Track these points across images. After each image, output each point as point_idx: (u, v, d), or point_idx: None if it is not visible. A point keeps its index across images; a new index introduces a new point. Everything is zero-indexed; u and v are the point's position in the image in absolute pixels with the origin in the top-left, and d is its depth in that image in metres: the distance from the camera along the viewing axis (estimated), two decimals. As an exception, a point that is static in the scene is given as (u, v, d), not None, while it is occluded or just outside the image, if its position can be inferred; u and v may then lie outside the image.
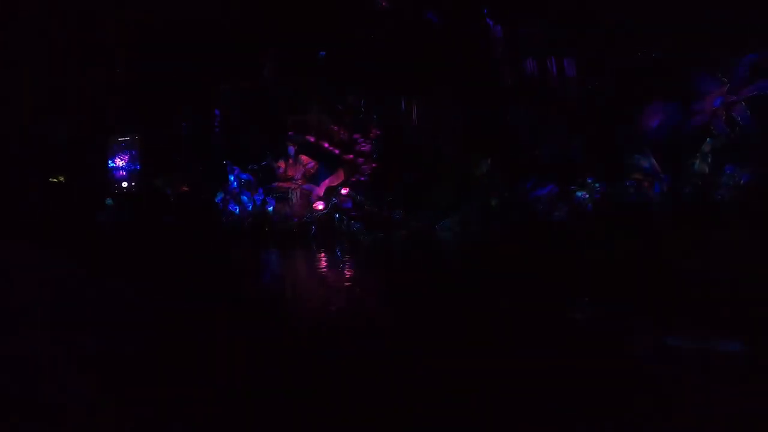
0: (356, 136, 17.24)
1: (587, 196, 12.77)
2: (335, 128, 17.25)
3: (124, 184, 18.38)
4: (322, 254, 12.72)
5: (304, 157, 17.08)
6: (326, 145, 17.20)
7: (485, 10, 14.93)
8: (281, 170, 17.25)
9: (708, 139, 12.07)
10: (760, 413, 3.46)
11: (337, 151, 17.25)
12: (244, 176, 17.90)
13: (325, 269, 10.80)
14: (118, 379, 4.28)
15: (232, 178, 17.93)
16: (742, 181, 11.35)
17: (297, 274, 10.13)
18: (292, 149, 17.18)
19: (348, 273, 10.37)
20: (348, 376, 4.23)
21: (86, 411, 3.64)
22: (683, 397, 3.80)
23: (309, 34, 15.98)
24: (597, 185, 12.62)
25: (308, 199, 16.84)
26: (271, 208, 16.86)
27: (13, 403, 3.73)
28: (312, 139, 17.21)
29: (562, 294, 6.98)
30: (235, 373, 4.40)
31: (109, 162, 18.62)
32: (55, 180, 18.15)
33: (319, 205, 16.41)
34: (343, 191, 16.47)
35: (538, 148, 14.26)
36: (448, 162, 15.26)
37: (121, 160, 18.52)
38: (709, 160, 12.05)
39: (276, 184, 17.30)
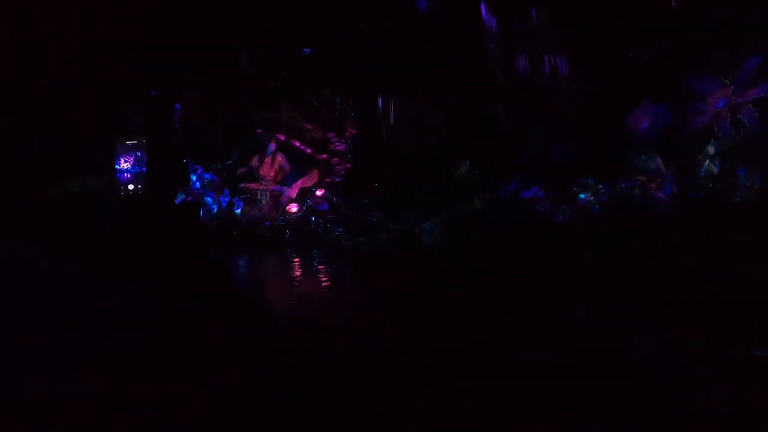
0: (330, 134, 16.78)
1: (592, 198, 12.76)
2: (308, 126, 16.78)
3: (131, 187, 18.24)
4: (304, 259, 12.64)
5: (279, 157, 16.70)
6: (297, 144, 16.71)
7: (482, 5, 14.67)
8: (253, 169, 16.76)
9: (712, 140, 12.07)
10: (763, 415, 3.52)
11: (309, 151, 16.76)
12: (207, 176, 17.15)
13: (313, 273, 10.88)
14: (118, 379, 4.34)
15: (194, 178, 17.17)
16: (756, 185, 11.37)
17: (287, 278, 10.14)
18: (272, 146, 16.63)
19: (337, 276, 10.49)
20: (348, 376, 4.30)
21: (86, 411, 3.70)
22: (684, 397, 3.85)
23: (288, 28, 15.66)
24: (600, 187, 12.61)
25: (278, 201, 16.36)
26: (238, 211, 16.21)
27: (13, 403, 3.79)
28: (282, 138, 16.69)
29: (566, 297, 7.04)
30: (234, 373, 4.46)
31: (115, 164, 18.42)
32: None
33: (293, 208, 15.84)
34: (318, 193, 16.02)
35: (525, 148, 14.17)
36: (430, 162, 15.03)
37: (126, 162, 18.39)
38: (717, 162, 12.04)
39: (243, 184, 16.74)
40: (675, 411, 3.67)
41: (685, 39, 12.48)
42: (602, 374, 4.28)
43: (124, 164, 18.45)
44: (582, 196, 12.89)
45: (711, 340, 5.08)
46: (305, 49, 16.61)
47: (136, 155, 18.38)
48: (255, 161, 16.74)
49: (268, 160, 16.63)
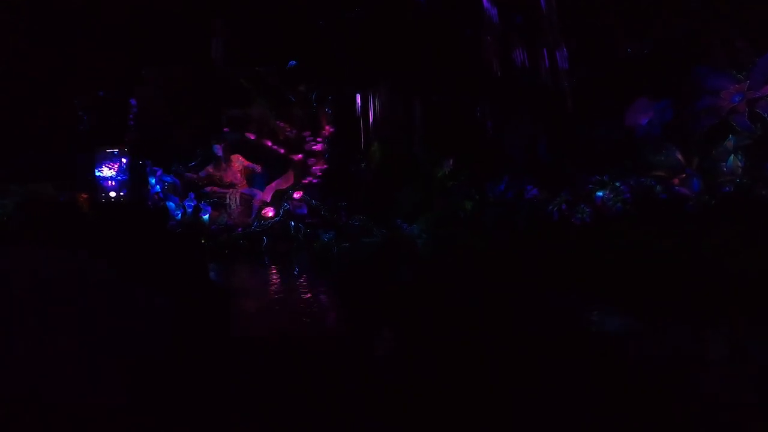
0: (306, 133, 16.26)
1: (611, 195, 12.61)
2: (281, 124, 16.17)
3: (112, 194, 17.81)
4: (291, 268, 12.23)
5: (239, 157, 15.92)
6: (269, 143, 16.11)
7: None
8: (214, 178, 16.00)
9: (730, 135, 12.03)
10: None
11: (282, 151, 16.17)
12: (168, 179, 16.37)
13: (303, 282, 10.66)
14: (120, 379, 4.40)
15: (153, 181, 16.37)
16: None
17: (280, 288, 10.06)
18: (218, 149, 15.85)
19: (330, 282, 10.46)
20: (348, 376, 4.47)
21: (86, 411, 3.76)
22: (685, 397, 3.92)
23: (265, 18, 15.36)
24: (618, 183, 12.49)
25: (250, 206, 15.71)
26: (206, 217, 15.43)
27: (13, 403, 3.86)
28: (252, 137, 16.03)
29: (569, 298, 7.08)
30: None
31: (96, 171, 17.58)
32: None
33: (270, 212, 15.26)
34: (296, 195, 15.45)
35: (515, 147, 13.99)
36: (416, 162, 14.62)
37: (110, 169, 17.98)
38: (740, 156, 11.99)
39: (209, 188, 15.97)
40: (675, 411, 3.70)
41: (687, 34, 12.48)
42: (602, 374, 4.35)
43: (107, 171, 18.00)
44: (599, 193, 12.75)
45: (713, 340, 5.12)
46: (291, 62, 16.26)
47: (120, 162, 17.90)
48: (211, 169, 16.01)
49: (224, 165, 15.88)
